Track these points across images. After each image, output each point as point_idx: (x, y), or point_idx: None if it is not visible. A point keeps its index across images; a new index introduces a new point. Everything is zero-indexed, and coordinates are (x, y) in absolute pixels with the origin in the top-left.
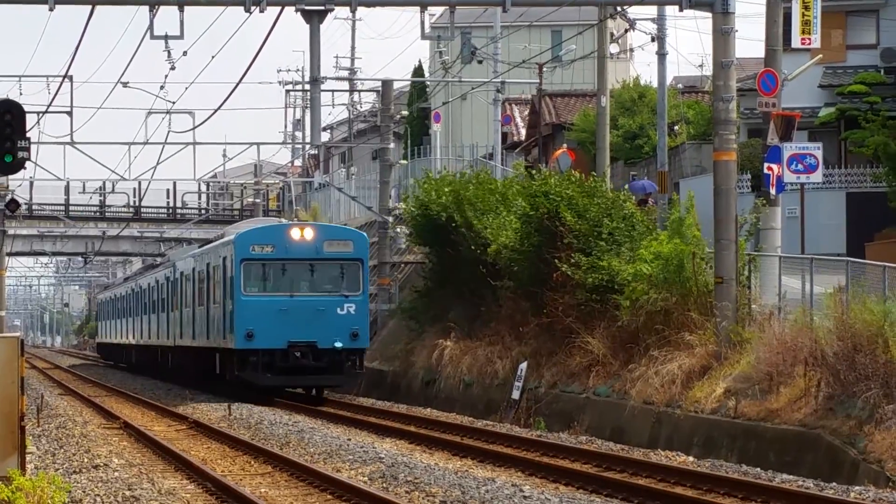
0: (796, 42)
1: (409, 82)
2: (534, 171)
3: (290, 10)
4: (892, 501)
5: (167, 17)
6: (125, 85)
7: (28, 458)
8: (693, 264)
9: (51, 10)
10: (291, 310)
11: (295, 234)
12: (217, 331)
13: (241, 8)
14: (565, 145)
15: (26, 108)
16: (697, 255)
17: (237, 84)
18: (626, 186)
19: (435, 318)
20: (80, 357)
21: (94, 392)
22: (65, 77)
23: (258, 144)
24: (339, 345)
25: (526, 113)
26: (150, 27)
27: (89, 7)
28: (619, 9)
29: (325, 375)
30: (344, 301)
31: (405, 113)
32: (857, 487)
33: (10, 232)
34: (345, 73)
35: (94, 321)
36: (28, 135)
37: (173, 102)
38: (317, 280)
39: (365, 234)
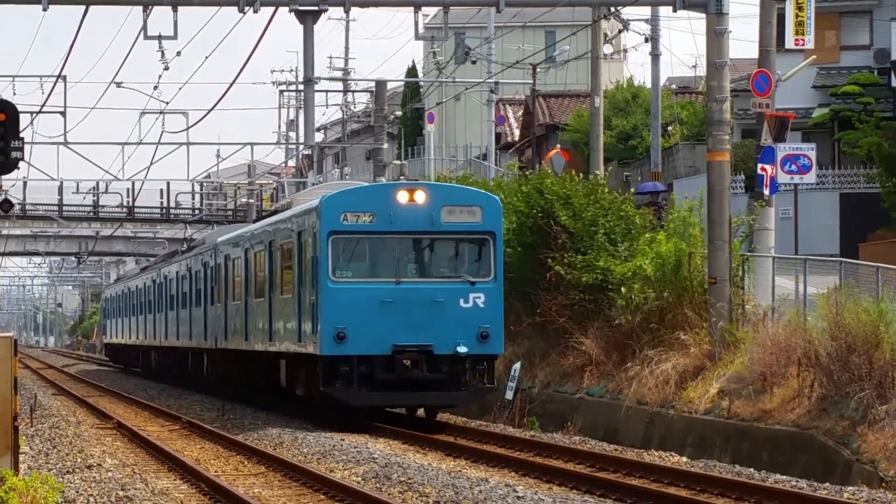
0: (790, 43)
1: (402, 83)
2: (528, 171)
3: (283, 10)
4: (886, 502)
5: (161, 17)
6: (119, 85)
7: (21, 457)
8: (689, 264)
9: (44, 10)
10: (398, 302)
11: (402, 197)
12: (287, 331)
13: (235, 8)
14: (559, 146)
15: (20, 108)
16: (695, 255)
17: (231, 84)
18: (632, 190)
19: None
20: (73, 357)
21: (87, 392)
22: (58, 77)
23: (252, 145)
24: (462, 350)
25: (520, 113)
26: (144, 27)
27: (83, 7)
28: (612, 9)
29: (442, 392)
30: (469, 290)
31: (399, 113)
32: (850, 488)
33: (4, 232)
34: (338, 74)
35: (100, 319)
36: (21, 135)
37: (167, 102)
38: (433, 261)
39: (497, 197)
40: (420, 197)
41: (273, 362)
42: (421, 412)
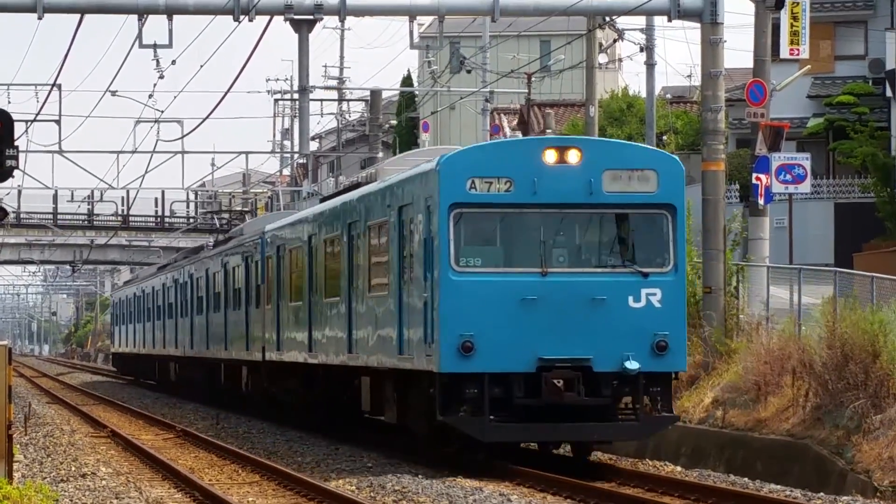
0: (785, 53)
1: (397, 92)
2: None
3: (278, 19)
4: None
5: (156, 26)
6: (114, 94)
7: (15, 466)
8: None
9: (39, 18)
10: (545, 300)
11: (550, 157)
12: (379, 339)
13: (230, 17)
14: None
15: (14, 117)
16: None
17: (226, 93)
18: None
19: None
20: (67, 366)
21: (81, 401)
22: (53, 85)
23: (246, 153)
24: (632, 366)
25: (514, 123)
26: (139, 36)
27: (78, 16)
28: (607, 19)
29: (604, 423)
30: (641, 284)
31: (394, 122)
32: (844, 497)
33: None
34: (333, 83)
35: (93, 327)
36: (16, 143)
37: (162, 111)
38: (592, 244)
39: (677, 157)
40: (574, 157)
41: (349, 380)
42: (565, 448)
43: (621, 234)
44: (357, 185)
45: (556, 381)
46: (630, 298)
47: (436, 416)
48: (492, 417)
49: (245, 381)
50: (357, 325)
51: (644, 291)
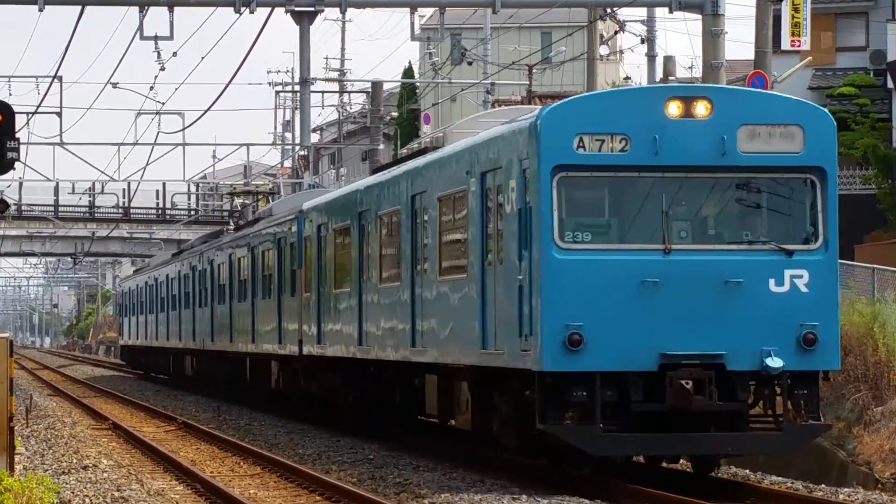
0: (786, 44)
1: (398, 83)
2: None
3: (279, 11)
4: (881, 503)
5: (157, 17)
6: (115, 86)
7: (17, 458)
8: None
9: (40, 10)
10: (669, 283)
11: (674, 109)
12: (454, 331)
13: (231, 9)
14: None
15: (16, 109)
16: None
17: (227, 85)
18: None
19: None
20: (68, 358)
21: (83, 393)
22: (54, 78)
23: (248, 145)
24: (775, 364)
25: None
26: (140, 28)
27: (79, 8)
28: (608, 10)
29: (739, 433)
30: (783, 263)
31: (395, 114)
32: (845, 489)
33: (0, 233)
34: (334, 75)
35: (95, 319)
36: (17, 135)
37: (163, 103)
38: (722, 215)
39: (827, 111)
40: (703, 109)
41: (407, 378)
42: (682, 462)
43: (760, 204)
44: (421, 152)
45: (683, 382)
46: (771, 282)
47: (532, 423)
48: (603, 426)
49: (275, 378)
50: (423, 315)
51: (788, 273)
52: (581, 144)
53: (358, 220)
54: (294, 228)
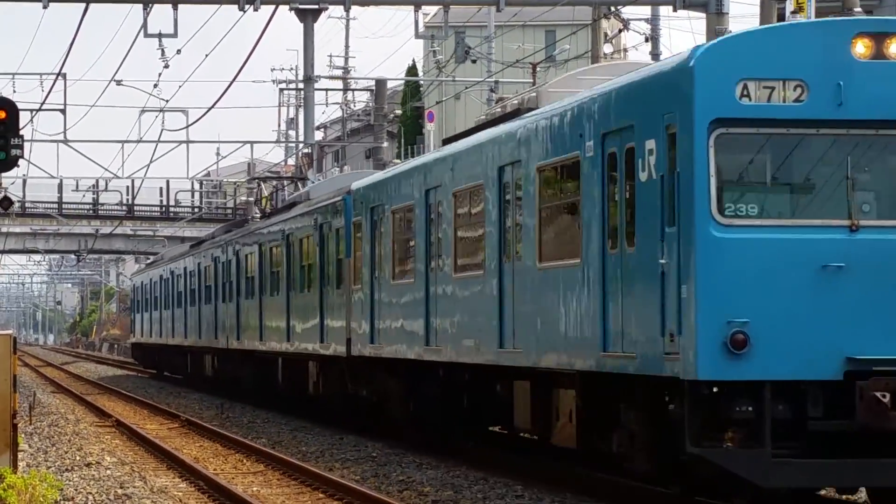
0: None
1: (402, 81)
2: None
3: (283, 8)
4: None
5: (161, 15)
6: (119, 83)
7: (20, 455)
8: None
9: (45, 7)
10: (855, 269)
11: (861, 48)
12: (555, 330)
13: (235, 6)
14: None
15: (20, 106)
16: None
17: (231, 83)
18: None
19: None
20: (71, 355)
21: (86, 390)
22: (58, 75)
23: (251, 143)
24: None
25: None
26: (144, 25)
27: (83, 5)
28: (613, 9)
29: None
30: None
31: (399, 112)
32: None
33: (3, 230)
34: (338, 72)
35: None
36: (21, 132)
37: (167, 101)
38: None
39: None
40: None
41: (487, 384)
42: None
43: None
44: (504, 118)
45: (877, 395)
46: None
47: (675, 444)
48: (774, 450)
49: (314, 381)
50: (515, 310)
51: None
52: (745, 93)
53: (425, 200)
54: (340, 212)
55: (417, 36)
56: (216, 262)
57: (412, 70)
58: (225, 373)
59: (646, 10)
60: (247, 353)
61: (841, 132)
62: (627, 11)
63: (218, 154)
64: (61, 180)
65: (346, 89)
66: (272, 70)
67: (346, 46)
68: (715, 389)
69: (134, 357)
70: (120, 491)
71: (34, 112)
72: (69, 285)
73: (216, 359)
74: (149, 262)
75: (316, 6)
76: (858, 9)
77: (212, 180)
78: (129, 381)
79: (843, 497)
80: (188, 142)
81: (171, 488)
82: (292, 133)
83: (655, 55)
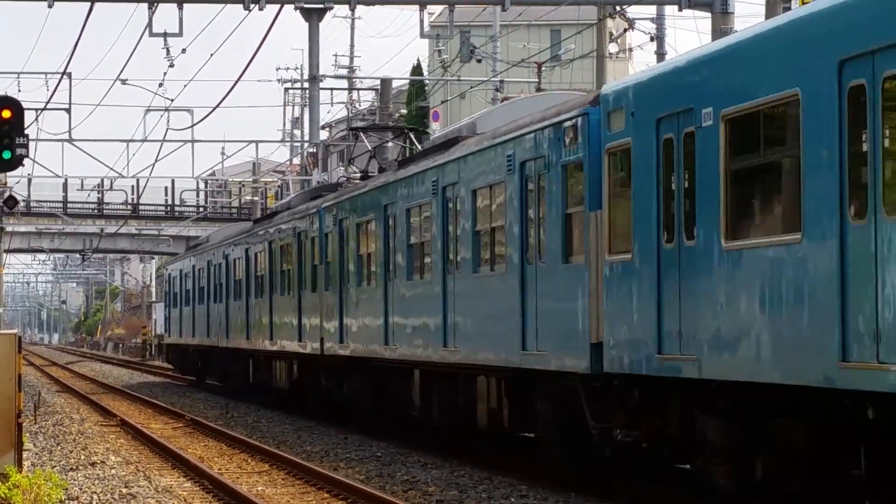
0: None
1: (407, 81)
2: None
3: (289, 7)
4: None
5: (166, 14)
6: (124, 82)
7: (25, 455)
8: None
9: (50, 6)
10: None
11: None
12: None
13: (241, 6)
14: None
15: (25, 105)
16: None
17: (236, 82)
18: None
19: None
20: (77, 354)
21: (91, 389)
22: (63, 74)
23: (256, 142)
24: None
25: None
26: (149, 24)
27: (88, 4)
28: (618, 8)
29: None
30: None
31: (404, 111)
32: None
33: (8, 229)
34: (344, 72)
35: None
36: (26, 131)
37: (172, 100)
38: None
39: None
40: None
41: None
42: None
43: None
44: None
45: None
46: None
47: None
48: None
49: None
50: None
51: None
52: None
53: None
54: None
55: (423, 35)
56: (270, 246)
57: (417, 69)
58: (303, 381)
59: (651, 10)
60: (313, 357)
61: None
62: (633, 11)
63: (223, 153)
64: (66, 179)
65: (351, 89)
66: (277, 69)
67: (352, 46)
68: None
69: (168, 361)
70: (125, 490)
71: (39, 111)
72: (74, 284)
73: (281, 363)
74: (187, 248)
75: (321, 5)
76: None
77: (217, 179)
78: (133, 381)
79: None
80: (193, 141)
81: (176, 488)
82: (297, 132)
83: (661, 54)
